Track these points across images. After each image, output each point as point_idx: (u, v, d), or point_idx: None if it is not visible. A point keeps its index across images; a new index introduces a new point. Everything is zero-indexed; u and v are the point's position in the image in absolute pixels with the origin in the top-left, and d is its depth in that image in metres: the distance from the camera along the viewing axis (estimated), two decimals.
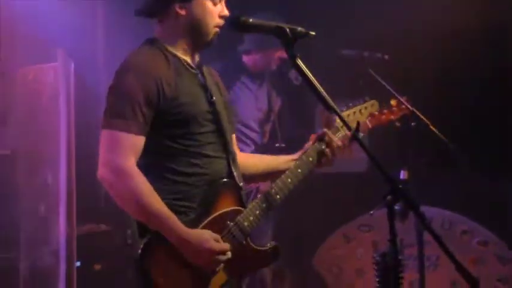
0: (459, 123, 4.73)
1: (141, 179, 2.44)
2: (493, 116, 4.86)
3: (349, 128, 2.41)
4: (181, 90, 2.55)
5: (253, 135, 4.54)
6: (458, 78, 4.88)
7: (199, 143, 2.57)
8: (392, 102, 3.27)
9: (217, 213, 2.57)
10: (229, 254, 2.51)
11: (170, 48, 2.62)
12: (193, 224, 2.51)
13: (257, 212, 2.63)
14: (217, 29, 2.65)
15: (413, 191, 3.65)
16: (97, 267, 4.40)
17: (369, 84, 3.74)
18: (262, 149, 4.48)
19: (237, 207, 2.62)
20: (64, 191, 3.95)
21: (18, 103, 4.21)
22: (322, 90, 2.32)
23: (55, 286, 3.92)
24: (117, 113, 2.46)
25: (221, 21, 2.65)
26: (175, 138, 2.54)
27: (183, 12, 2.60)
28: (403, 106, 3.36)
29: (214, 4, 2.63)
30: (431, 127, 3.71)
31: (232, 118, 2.81)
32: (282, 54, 4.33)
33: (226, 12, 2.66)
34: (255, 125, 4.56)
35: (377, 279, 2.33)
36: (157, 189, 2.47)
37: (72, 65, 4.07)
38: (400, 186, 2.20)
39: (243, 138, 4.46)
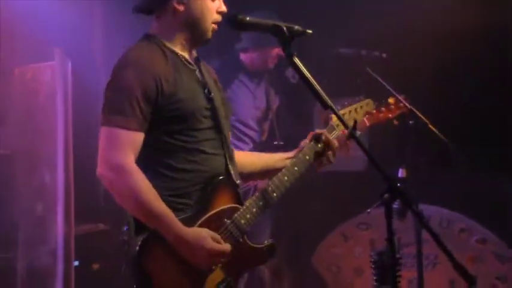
0: (458, 122, 4.72)
1: (140, 177, 2.44)
2: (492, 115, 4.86)
3: (346, 126, 2.41)
4: (180, 86, 2.55)
5: (251, 133, 4.54)
6: (457, 77, 4.87)
7: (197, 139, 2.57)
8: (390, 100, 3.27)
9: (214, 211, 2.57)
10: (227, 255, 2.51)
11: (168, 44, 2.62)
12: (190, 221, 2.50)
13: (254, 209, 2.63)
14: (215, 25, 2.65)
15: (412, 189, 3.65)
16: (95, 266, 4.40)
17: (366, 83, 3.74)
18: (260, 147, 4.48)
19: (234, 205, 2.62)
20: (62, 190, 3.95)
21: (15, 102, 4.20)
22: (319, 89, 2.32)
23: (52, 286, 3.91)
24: (115, 110, 2.45)
25: (219, 17, 2.65)
26: (173, 134, 2.54)
27: (181, 8, 2.60)
28: (401, 104, 3.36)
29: (212, 0, 2.63)
30: (430, 126, 3.71)
31: (229, 115, 2.81)
32: (280, 51, 4.33)
33: (224, 8, 2.67)
34: (253, 123, 4.56)
35: (374, 278, 2.33)
36: (155, 186, 2.47)
37: (70, 64, 4.07)
38: (398, 185, 2.19)
39: (241, 136, 4.46)
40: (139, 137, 2.47)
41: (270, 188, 2.68)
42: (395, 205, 2.23)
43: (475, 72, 4.81)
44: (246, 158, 2.87)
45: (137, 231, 2.46)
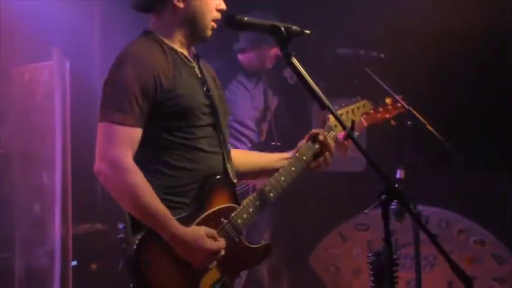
0: (456, 122, 4.72)
1: (137, 174, 2.43)
2: (491, 115, 4.86)
3: (344, 127, 2.40)
4: (179, 82, 2.54)
5: (249, 133, 4.54)
6: (455, 77, 4.88)
7: (196, 136, 2.56)
8: (388, 100, 3.26)
9: (211, 210, 2.56)
10: (222, 252, 2.50)
11: (167, 41, 2.61)
12: (187, 220, 2.49)
13: (251, 209, 2.62)
14: (214, 23, 2.65)
15: (410, 190, 3.65)
16: (93, 266, 4.39)
17: (364, 83, 3.74)
18: (258, 147, 4.48)
19: (231, 204, 2.61)
20: (59, 190, 3.94)
21: (13, 102, 4.20)
22: (317, 89, 2.31)
23: (50, 286, 3.90)
24: (113, 106, 2.44)
25: (218, 15, 2.65)
26: (171, 130, 2.52)
27: (181, 5, 2.59)
28: (399, 105, 3.35)
29: None
30: (428, 126, 3.71)
31: (227, 113, 2.81)
32: (277, 51, 4.33)
33: (223, 6, 2.66)
34: (251, 124, 4.56)
35: (371, 279, 2.33)
36: (152, 184, 2.45)
37: (68, 64, 4.06)
38: (396, 185, 2.19)
39: (239, 136, 4.46)
40: (137, 133, 2.46)
41: (267, 188, 2.67)
42: (393, 206, 2.23)
43: (474, 72, 4.82)
44: (242, 157, 2.86)
45: (134, 230, 2.44)
